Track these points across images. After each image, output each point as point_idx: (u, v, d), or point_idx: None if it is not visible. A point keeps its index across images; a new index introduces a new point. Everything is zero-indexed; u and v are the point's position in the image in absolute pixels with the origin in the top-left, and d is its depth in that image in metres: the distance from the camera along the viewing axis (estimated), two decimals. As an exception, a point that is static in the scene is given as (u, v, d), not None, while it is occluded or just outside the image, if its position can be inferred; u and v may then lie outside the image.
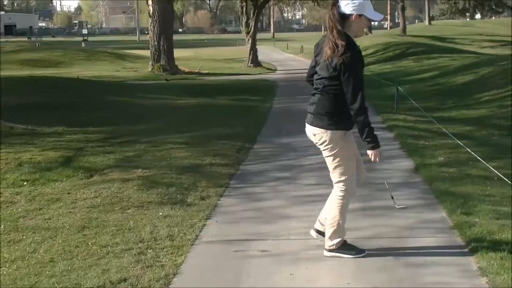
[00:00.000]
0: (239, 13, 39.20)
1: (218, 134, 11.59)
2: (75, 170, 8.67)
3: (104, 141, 10.86)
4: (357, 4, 4.75)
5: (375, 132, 4.87)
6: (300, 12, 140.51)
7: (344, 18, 4.77)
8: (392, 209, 6.48)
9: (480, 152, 9.48)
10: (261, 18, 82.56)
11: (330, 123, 4.88)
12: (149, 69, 29.37)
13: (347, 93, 4.75)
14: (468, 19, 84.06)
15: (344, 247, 5.18)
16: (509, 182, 6.34)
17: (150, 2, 29.21)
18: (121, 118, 13.66)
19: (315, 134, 4.97)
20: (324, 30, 50.49)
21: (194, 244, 5.62)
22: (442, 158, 8.96)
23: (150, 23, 29.24)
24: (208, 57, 45.66)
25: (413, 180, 7.89)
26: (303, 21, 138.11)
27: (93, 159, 9.36)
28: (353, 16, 4.76)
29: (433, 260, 5.06)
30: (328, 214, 5.15)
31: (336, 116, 4.88)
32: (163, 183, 7.84)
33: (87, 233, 6.00)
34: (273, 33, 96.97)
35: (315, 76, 5.03)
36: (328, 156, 5.01)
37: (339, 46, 4.69)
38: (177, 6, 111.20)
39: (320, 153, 4.96)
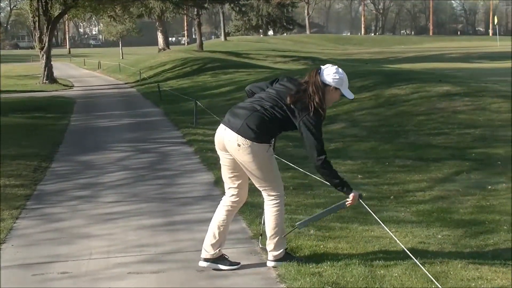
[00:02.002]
0: (32, 28, 37.82)
1: (12, 154, 11.08)
2: None
3: None
4: (338, 78, 4.93)
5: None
6: (97, 28, 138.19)
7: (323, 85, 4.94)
8: (192, 223, 6.57)
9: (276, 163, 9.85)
10: (56, 33, 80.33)
11: (256, 137, 4.83)
12: None
13: (307, 145, 4.83)
14: (261, 35, 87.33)
15: (288, 256, 5.22)
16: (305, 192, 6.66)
17: None
18: None
19: (239, 144, 4.85)
20: (123, 46, 49.72)
21: (-12, 271, 5.32)
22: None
23: None
24: (-1, 74, 43.56)
25: (213, 193, 8.02)
26: (100, 36, 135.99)
27: None
28: (331, 87, 4.94)
29: (234, 271, 5.16)
30: (268, 226, 5.14)
31: (264, 133, 4.88)
32: (-49, 208, 7.35)
33: None
34: (69, 49, 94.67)
35: (268, 90, 5.11)
36: (254, 169, 4.95)
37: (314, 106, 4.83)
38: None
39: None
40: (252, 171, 4.97)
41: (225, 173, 5.23)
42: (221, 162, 5.21)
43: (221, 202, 5.32)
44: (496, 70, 39.58)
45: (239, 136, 4.85)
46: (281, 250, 5.18)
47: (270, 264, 5.20)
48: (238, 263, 5.23)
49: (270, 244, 5.17)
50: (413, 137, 11.79)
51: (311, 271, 4.98)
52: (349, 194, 4.93)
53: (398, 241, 5.17)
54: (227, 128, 4.94)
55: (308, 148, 4.84)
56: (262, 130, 4.86)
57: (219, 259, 5.21)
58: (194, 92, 24.34)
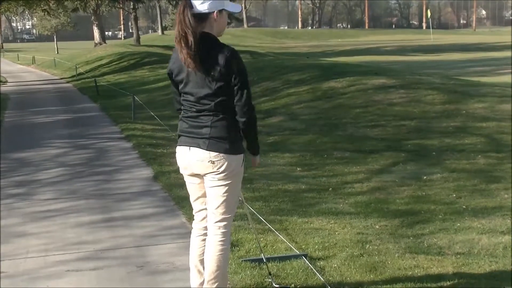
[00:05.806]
0: (-37, 23, 36.85)
1: None
2: None
3: None
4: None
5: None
6: (30, 22, 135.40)
7: (201, 18, 3.86)
8: (131, 219, 6.52)
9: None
10: (-13, 27, 78.24)
11: (232, 147, 3.92)
12: None
13: (240, 96, 3.85)
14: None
15: None
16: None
17: None
18: None
19: (213, 161, 3.89)
20: (58, 40, 48.70)
21: None
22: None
23: None
24: None
25: (153, 188, 7.97)
26: (34, 31, 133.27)
27: None
28: (214, 13, 3.87)
29: (175, 266, 5.14)
30: (209, 267, 4.06)
31: (237, 138, 3.97)
32: None
33: None
34: (2, 44, 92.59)
35: (191, 98, 3.92)
36: (219, 186, 3.96)
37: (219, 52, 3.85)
38: None
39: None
40: (215, 188, 4.00)
41: (195, 195, 4.24)
42: (189, 184, 4.21)
43: (193, 232, 4.30)
44: (430, 62, 40.40)
45: (213, 152, 3.89)
46: None
47: None
48: None
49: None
50: (351, 130, 11.95)
51: (251, 264, 5.00)
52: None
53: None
54: (197, 150, 3.95)
55: (249, 100, 3.89)
56: (234, 132, 3.95)
57: None
58: (132, 87, 24.11)
